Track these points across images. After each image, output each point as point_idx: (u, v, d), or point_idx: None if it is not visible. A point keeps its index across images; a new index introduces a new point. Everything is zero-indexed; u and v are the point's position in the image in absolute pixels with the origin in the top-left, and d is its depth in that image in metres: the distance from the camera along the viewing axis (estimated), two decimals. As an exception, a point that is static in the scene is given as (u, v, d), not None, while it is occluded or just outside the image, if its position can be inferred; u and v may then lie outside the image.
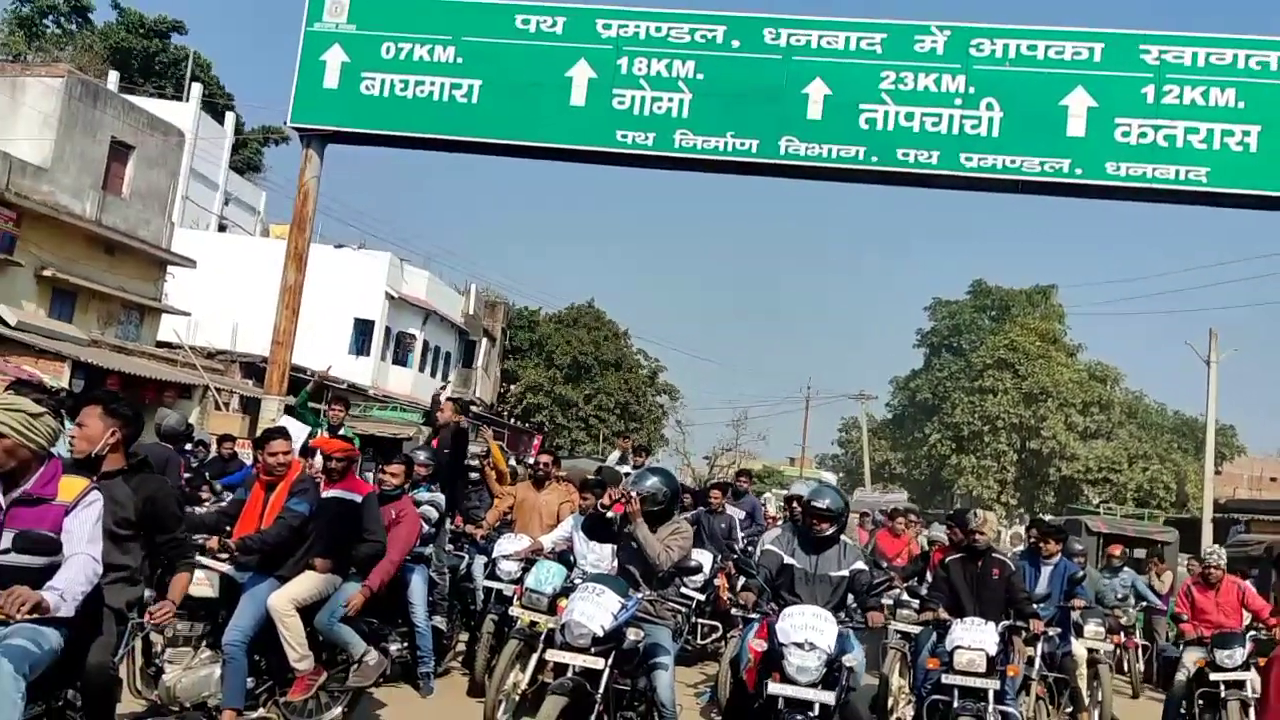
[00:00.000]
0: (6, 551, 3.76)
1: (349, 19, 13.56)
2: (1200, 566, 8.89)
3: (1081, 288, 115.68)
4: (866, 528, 14.73)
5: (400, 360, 35.01)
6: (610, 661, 5.38)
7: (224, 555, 5.89)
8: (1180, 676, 8.23)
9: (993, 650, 6.53)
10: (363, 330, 32.97)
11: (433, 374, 36.40)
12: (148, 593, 5.24)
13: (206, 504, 7.39)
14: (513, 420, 39.91)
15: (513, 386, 42.69)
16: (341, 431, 9.51)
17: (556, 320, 44.05)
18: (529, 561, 7.69)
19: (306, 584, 6.01)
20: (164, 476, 5.39)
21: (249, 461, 10.89)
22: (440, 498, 8.37)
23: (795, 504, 9.74)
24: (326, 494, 6.31)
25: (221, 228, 36.70)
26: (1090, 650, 9.36)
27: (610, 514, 6.04)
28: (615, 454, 14.37)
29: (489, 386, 41.08)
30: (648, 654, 5.67)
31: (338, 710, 6.39)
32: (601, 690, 5.33)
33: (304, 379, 16.99)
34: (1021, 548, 10.83)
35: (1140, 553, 17.32)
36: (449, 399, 10.39)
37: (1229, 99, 12.31)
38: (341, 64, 13.48)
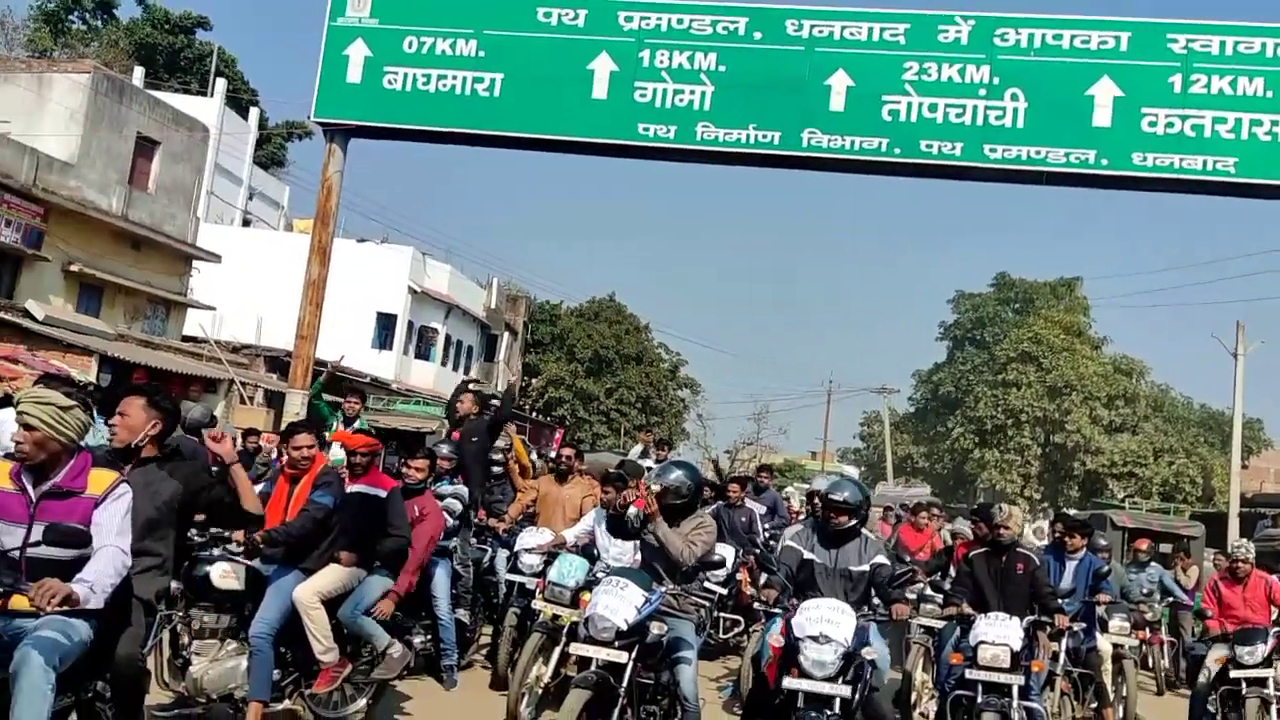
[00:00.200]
0: (37, 544, 3.80)
1: (372, 13, 13.59)
2: (1227, 561, 8.80)
3: (1107, 279, 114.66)
4: (889, 522, 14.70)
5: (423, 354, 35.16)
6: (634, 655, 5.38)
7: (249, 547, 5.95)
8: (1203, 674, 8.15)
9: (1017, 645, 6.49)
10: (385, 324, 33.13)
11: (455, 368, 36.52)
12: (173, 584, 5.31)
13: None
14: (534, 414, 40.00)
15: (534, 380, 42.77)
16: (357, 424, 9.51)
17: (578, 314, 44.09)
18: (551, 555, 7.70)
19: (331, 577, 6.05)
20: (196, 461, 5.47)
21: (273, 456, 10.99)
22: (463, 490, 8.38)
23: (816, 499, 9.72)
24: (350, 489, 6.34)
25: (246, 223, 36.92)
26: (1115, 646, 9.30)
27: (631, 511, 6.03)
28: (637, 448, 14.39)
29: (510, 380, 41.15)
30: (671, 648, 5.67)
31: (362, 702, 6.43)
32: (625, 684, 5.34)
33: (329, 373, 17.05)
34: (1045, 542, 10.77)
35: (1166, 548, 17.17)
36: (469, 391, 10.38)
37: (1258, 88, 12.15)
38: (364, 58, 13.51)
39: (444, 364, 35.91)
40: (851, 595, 5.58)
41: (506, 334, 40.79)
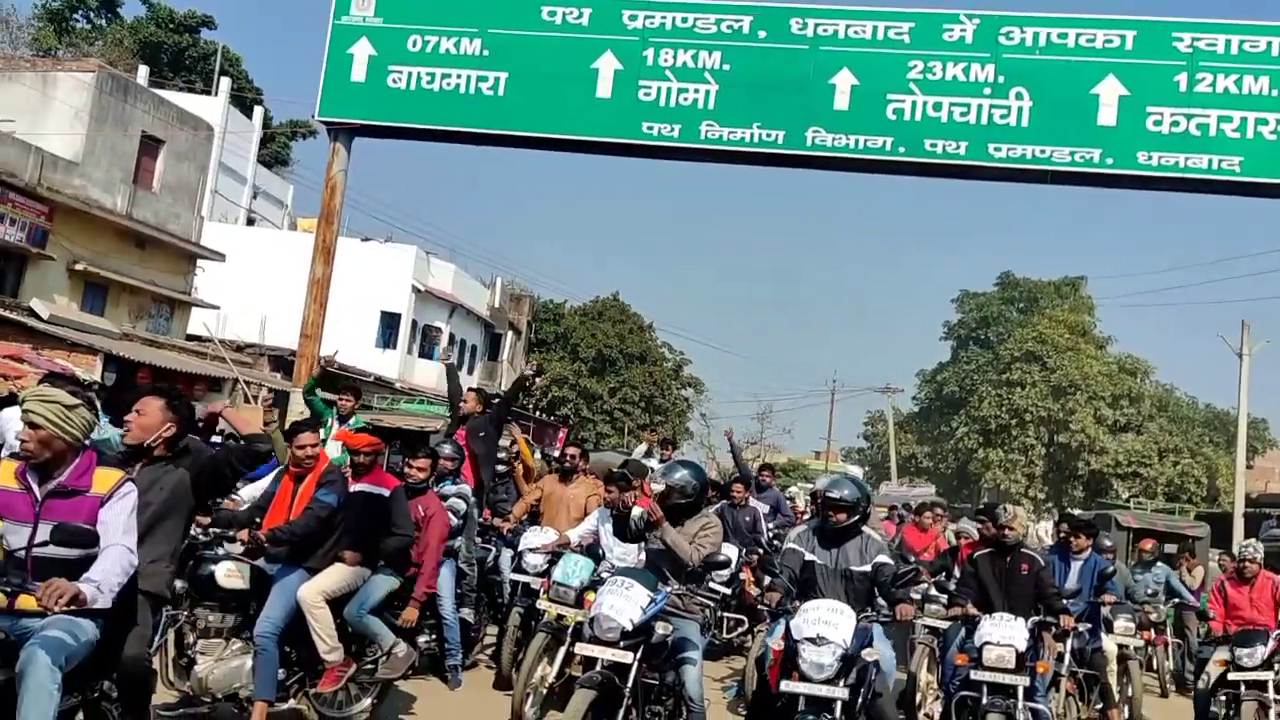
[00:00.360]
0: (44, 543, 3.80)
1: (376, 12, 13.60)
2: (1235, 561, 8.75)
3: (1112, 279, 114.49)
4: (894, 521, 14.67)
5: (426, 353, 35.16)
6: (639, 655, 5.37)
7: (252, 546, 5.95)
8: (1203, 678, 8.10)
9: (1022, 646, 6.48)
10: (389, 323, 33.14)
11: (459, 367, 36.53)
12: (179, 583, 5.31)
13: (234, 497, 7.42)
14: (538, 413, 40.01)
15: (538, 379, 42.76)
16: (352, 421, 9.46)
17: (581, 313, 44.10)
18: (556, 554, 7.69)
19: (336, 576, 6.04)
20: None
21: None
22: (467, 489, 8.36)
23: (818, 499, 9.70)
24: (354, 488, 6.34)
25: (250, 221, 36.95)
26: (1120, 646, 9.27)
27: (635, 512, 6.02)
28: (641, 447, 14.38)
29: (514, 379, 41.14)
30: (676, 648, 5.66)
31: (367, 701, 6.43)
32: (630, 684, 5.33)
33: (331, 372, 17.08)
34: (1050, 542, 10.76)
35: (1171, 548, 17.14)
36: (471, 389, 10.35)
37: (1263, 87, 12.13)
38: (369, 57, 13.52)
39: (448, 363, 35.87)
40: (853, 596, 5.50)
41: (510, 333, 40.81)
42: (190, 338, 24.72)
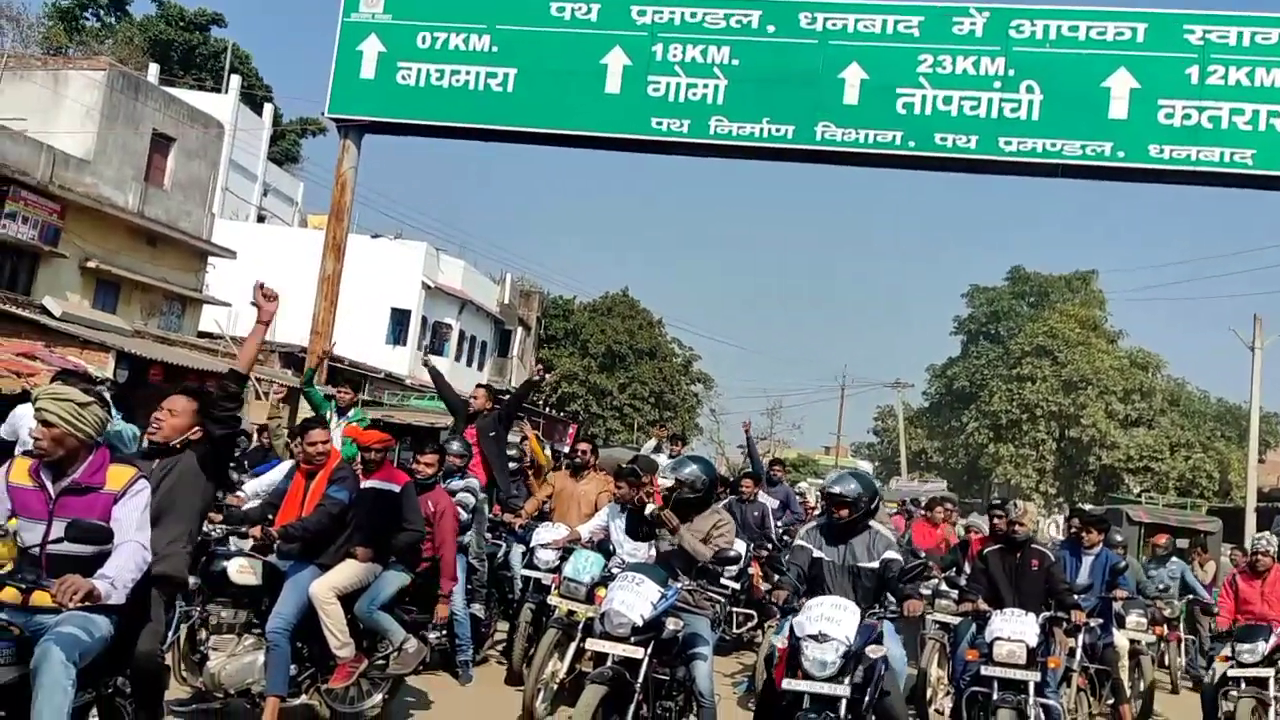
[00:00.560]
0: (59, 540, 3.82)
1: (385, 9, 13.59)
2: (1247, 555, 8.65)
3: (1123, 273, 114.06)
4: (904, 516, 14.65)
5: (436, 350, 35.22)
6: (649, 651, 5.38)
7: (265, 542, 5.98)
8: (1208, 674, 8.02)
9: (1033, 641, 6.46)
10: (399, 320, 33.20)
11: (469, 364, 36.59)
12: (191, 579, 5.33)
13: (239, 493, 7.45)
14: (548, 409, 40.05)
15: (547, 375, 42.78)
16: (351, 414, 9.46)
17: (591, 309, 44.14)
18: (567, 550, 7.70)
19: (347, 572, 6.07)
20: None
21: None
22: (475, 482, 8.37)
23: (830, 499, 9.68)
24: (365, 484, 6.36)
25: (260, 218, 37.05)
26: (1132, 641, 9.24)
27: (651, 507, 6.01)
28: (651, 443, 14.37)
29: (524, 376, 41.21)
30: (687, 644, 5.67)
31: (378, 697, 6.46)
32: (640, 680, 5.33)
33: (342, 369, 17.12)
34: (1060, 537, 10.72)
35: (1182, 543, 17.08)
36: (480, 385, 10.34)
37: (1275, 79, 12.04)
38: (378, 54, 13.51)
39: (458, 359, 35.97)
40: (861, 592, 5.43)
41: (520, 329, 40.84)
42: (202, 334, 24.80)
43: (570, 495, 8.72)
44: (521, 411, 11.26)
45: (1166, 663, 12.01)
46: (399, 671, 6.42)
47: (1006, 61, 12.51)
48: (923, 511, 12.48)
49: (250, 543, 6.08)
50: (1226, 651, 7.77)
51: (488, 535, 8.81)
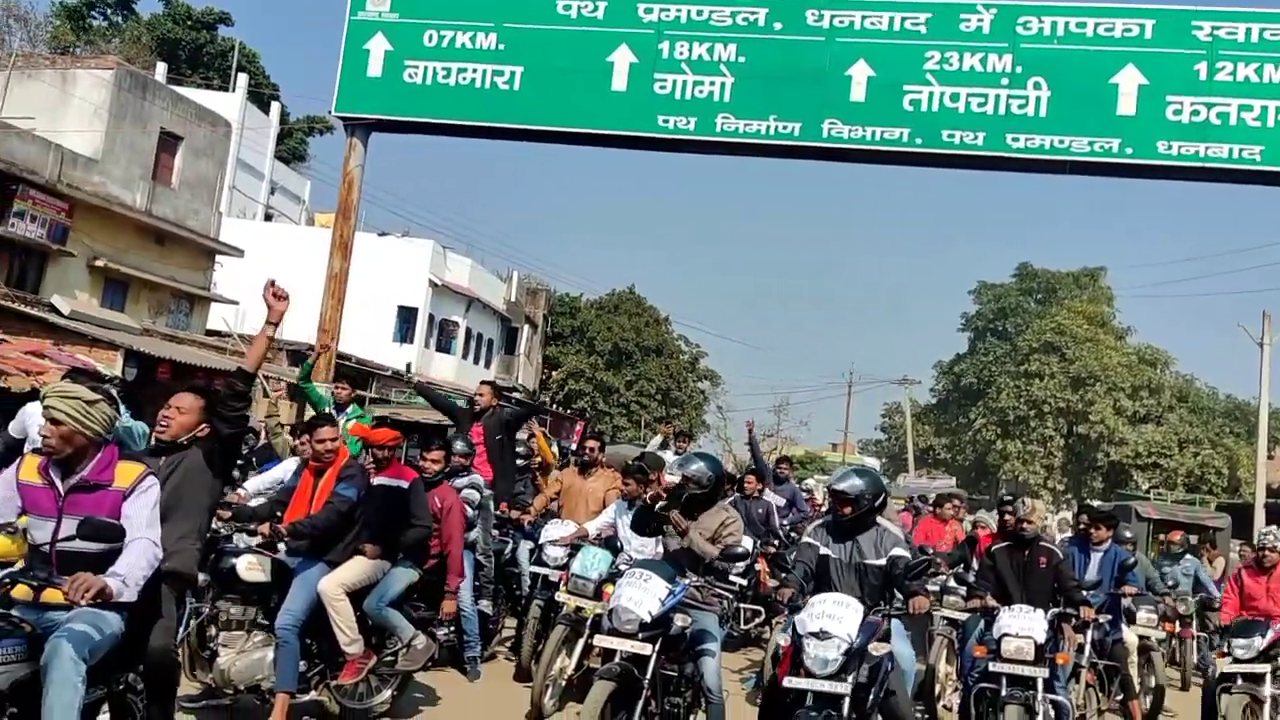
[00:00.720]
0: (70, 538, 3.84)
1: (392, 7, 13.60)
2: (1254, 550, 8.55)
3: (1132, 269, 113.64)
4: (911, 513, 14.64)
5: (443, 347, 35.26)
6: (657, 647, 5.38)
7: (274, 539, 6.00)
8: (1211, 669, 7.94)
9: (1041, 638, 6.44)
10: (406, 318, 33.23)
11: (475, 361, 36.63)
12: (201, 576, 5.36)
13: (240, 490, 7.46)
14: (555, 406, 40.07)
15: (554, 373, 42.84)
16: (349, 410, 9.44)
17: (598, 306, 44.15)
18: (575, 547, 7.71)
19: (356, 569, 6.08)
20: None
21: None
22: (479, 478, 8.37)
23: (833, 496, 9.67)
24: (374, 482, 6.38)
25: (268, 217, 37.11)
26: (1142, 638, 9.21)
27: (659, 504, 6.02)
28: (657, 439, 14.37)
29: (531, 373, 41.27)
30: (695, 640, 5.67)
31: (387, 693, 6.48)
32: (648, 676, 5.34)
33: (350, 367, 17.10)
34: (1069, 534, 10.70)
35: (1191, 539, 17.03)
36: (484, 382, 10.30)
37: (1283, 75, 12.01)
38: (385, 52, 13.53)
39: (465, 357, 36.01)
40: (868, 590, 5.38)
41: (527, 327, 40.86)
42: (210, 333, 24.86)
43: (579, 492, 8.74)
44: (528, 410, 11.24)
45: (1178, 659, 11.99)
46: (408, 668, 6.44)
47: (1014, 58, 12.48)
48: (931, 508, 12.47)
49: (257, 539, 6.10)
50: (1225, 648, 7.67)
51: (494, 532, 8.82)
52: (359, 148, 13.85)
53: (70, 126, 20.92)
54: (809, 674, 4.91)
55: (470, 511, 7.78)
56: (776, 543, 10.36)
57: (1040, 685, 6.39)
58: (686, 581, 5.63)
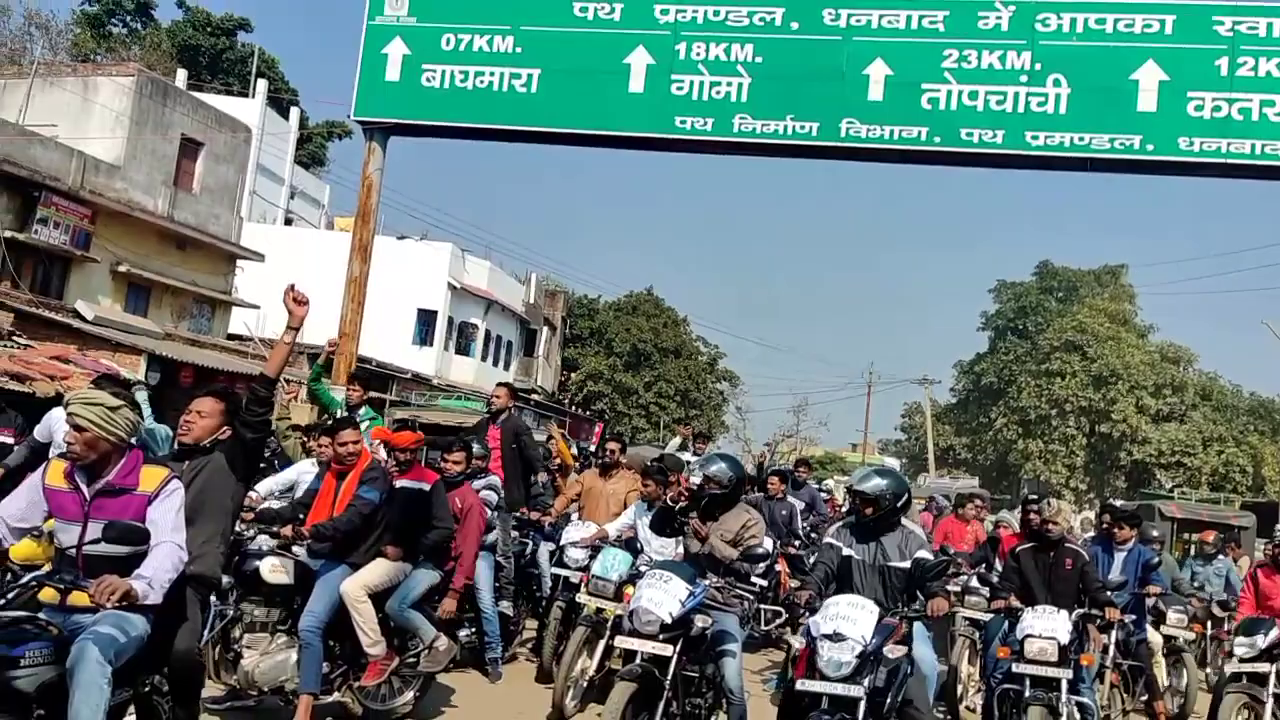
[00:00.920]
0: (95, 541, 3.88)
1: (409, 12, 13.66)
2: (1271, 548, 8.39)
3: (1153, 267, 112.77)
4: (932, 513, 14.57)
5: (463, 350, 35.38)
6: (678, 648, 5.38)
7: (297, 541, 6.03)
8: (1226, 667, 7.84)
9: (1065, 639, 6.39)
10: (426, 321, 33.36)
11: (495, 363, 36.74)
12: (225, 579, 5.39)
13: (252, 492, 7.49)
14: (574, 408, 40.11)
15: (573, 374, 42.90)
16: (361, 411, 9.45)
17: (616, 308, 44.17)
18: (595, 548, 7.72)
19: (378, 571, 6.11)
20: None
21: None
22: (495, 479, 8.40)
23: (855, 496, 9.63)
24: (396, 484, 6.41)
25: (288, 221, 37.33)
26: (1171, 639, 9.11)
27: (679, 506, 6.02)
28: (676, 440, 14.38)
29: (550, 375, 41.34)
30: (715, 641, 5.66)
31: (409, 694, 6.51)
32: (670, 677, 5.34)
33: (370, 369, 17.15)
34: (1091, 533, 10.63)
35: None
36: (501, 384, 10.28)
37: (1306, 70, 11.89)
38: (403, 57, 13.58)
39: (484, 359, 36.12)
40: (890, 592, 5.33)
41: (545, 329, 40.94)
42: (231, 337, 25.03)
43: (599, 494, 8.74)
44: (548, 411, 11.25)
45: (1209, 660, 11.85)
46: (430, 669, 6.46)
47: (1033, 55, 12.41)
48: (952, 508, 12.40)
49: (277, 541, 6.13)
50: (1230, 647, 7.56)
51: (513, 533, 8.83)
52: (378, 152, 13.90)
53: (92, 133, 21.12)
54: (823, 677, 4.85)
55: (489, 514, 7.80)
56: (797, 544, 10.34)
57: (1064, 686, 6.34)
58: (707, 583, 5.63)
